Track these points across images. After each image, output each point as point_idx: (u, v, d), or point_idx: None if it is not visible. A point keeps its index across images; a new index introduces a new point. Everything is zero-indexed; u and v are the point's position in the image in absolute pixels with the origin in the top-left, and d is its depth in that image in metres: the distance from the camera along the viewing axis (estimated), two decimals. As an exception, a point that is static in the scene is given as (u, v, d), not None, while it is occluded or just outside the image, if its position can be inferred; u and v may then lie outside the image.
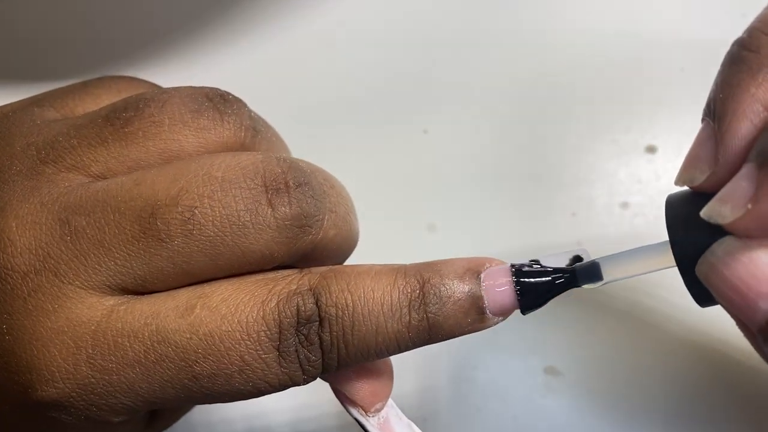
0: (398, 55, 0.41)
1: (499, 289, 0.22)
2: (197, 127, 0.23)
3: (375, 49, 0.41)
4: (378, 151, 0.39)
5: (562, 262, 0.22)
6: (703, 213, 0.20)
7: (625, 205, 0.37)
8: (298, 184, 0.22)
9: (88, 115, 0.24)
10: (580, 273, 0.22)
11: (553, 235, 0.36)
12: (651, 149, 0.38)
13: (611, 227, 0.36)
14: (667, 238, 0.22)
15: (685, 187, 0.22)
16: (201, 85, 0.25)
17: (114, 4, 0.42)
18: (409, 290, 0.22)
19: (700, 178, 0.21)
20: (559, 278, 0.22)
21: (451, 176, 0.38)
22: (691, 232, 0.21)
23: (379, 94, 0.40)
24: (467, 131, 0.39)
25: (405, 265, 0.23)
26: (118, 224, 0.21)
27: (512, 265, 0.23)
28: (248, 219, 0.21)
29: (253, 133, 0.24)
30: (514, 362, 0.34)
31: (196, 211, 0.21)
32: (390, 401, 0.24)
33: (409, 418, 0.24)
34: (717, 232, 0.20)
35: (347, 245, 0.24)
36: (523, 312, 0.22)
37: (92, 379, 0.21)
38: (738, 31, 0.22)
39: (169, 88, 0.24)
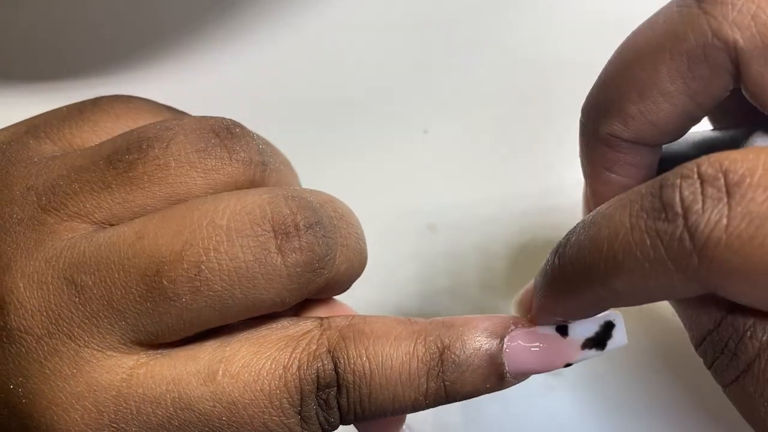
0: (398, 55, 0.41)
1: (523, 353, 0.21)
2: (205, 169, 0.22)
3: (375, 49, 0.41)
4: (378, 151, 0.38)
5: (592, 327, 0.22)
6: None
7: (625, 205, 0.37)
8: (308, 226, 0.21)
9: (88, 153, 0.22)
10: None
11: (554, 236, 0.36)
12: (651, 149, 0.38)
13: (611, 227, 0.36)
14: None
15: None
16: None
17: (112, 4, 0.42)
18: (428, 359, 0.21)
19: None
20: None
21: (451, 176, 0.38)
22: None
23: (379, 94, 0.40)
24: (467, 131, 0.39)
25: (426, 327, 0.22)
26: (124, 284, 0.20)
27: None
28: (257, 270, 0.20)
29: (262, 168, 0.23)
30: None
31: (203, 266, 0.20)
32: (406, 423, 0.24)
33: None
34: None
35: (357, 273, 0.24)
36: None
37: None
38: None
39: (173, 123, 0.23)
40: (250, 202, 0.21)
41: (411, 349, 0.21)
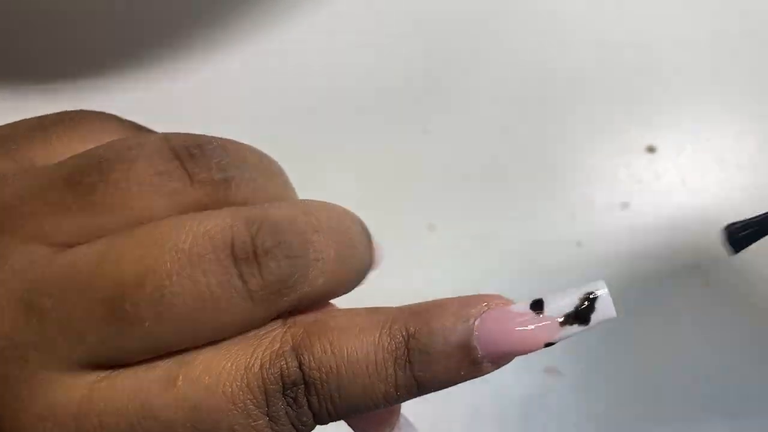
0: (398, 55, 0.41)
1: (495, 335, 0.21)
2: (167, 192, 0.21)
3: (375, 48, 0.41)
4: (378, 151, 0.38)
5: (572, 301, 0.21)
6: None
7: (625, 205, 0.37)
8: (266, 250, 0.20)
9: (46, 172, 0.22)
10: None
11: (553, 235, 0.36)
12: (651, 149, 0.38)
13: (611, 227, 0.36)
14: None
15: None
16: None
17: (110, 5, 0.42)
18: (394, 347, 0.20)
19: None
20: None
21: (451, 176, 0.38)
22: None
23: (379, 94, 0.40)
24: (467, 131, 0.39)
25: (393, 314, 0.21)
26: (86, 308, 0.20)
27: (728, 227, 0.24)
28: (220, 294, 0.20)
29: (225, 186, 0.22)
30: (514, 362, 0.34)
31: (166, 291, 0.20)
32: (402, 417, 0.24)
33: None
34: None
35: (344, 284, 0.23)
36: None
37: None
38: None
39: (134, 142, 0.22)
40: (212, 225, 0.20)
41: (376, 340, 0.21)
